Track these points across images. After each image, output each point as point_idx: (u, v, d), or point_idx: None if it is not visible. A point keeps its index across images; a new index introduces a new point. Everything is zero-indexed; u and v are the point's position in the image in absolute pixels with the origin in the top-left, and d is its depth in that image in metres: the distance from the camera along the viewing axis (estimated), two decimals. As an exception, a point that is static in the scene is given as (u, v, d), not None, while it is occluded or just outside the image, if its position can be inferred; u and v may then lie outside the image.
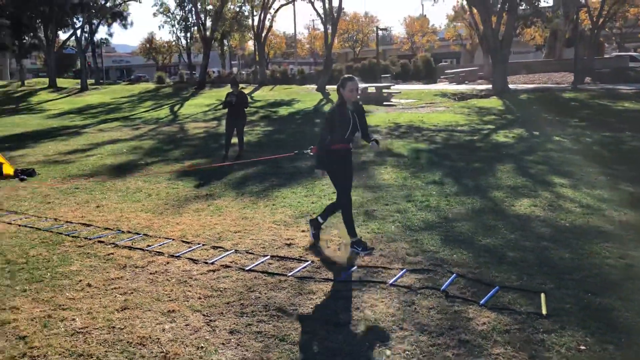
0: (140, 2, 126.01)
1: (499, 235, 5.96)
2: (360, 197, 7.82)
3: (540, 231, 6.07)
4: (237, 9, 50.59)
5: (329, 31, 34.29)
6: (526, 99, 23.21)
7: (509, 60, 28.65)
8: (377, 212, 6.99)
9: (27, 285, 4.84)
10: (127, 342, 3.77)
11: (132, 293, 4.62)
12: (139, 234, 6.36)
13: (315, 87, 35.20)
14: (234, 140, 12.22)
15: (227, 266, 5.20)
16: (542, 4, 35.94)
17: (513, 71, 33.12)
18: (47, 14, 43.56)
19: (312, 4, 36.47)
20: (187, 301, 4.43)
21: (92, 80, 51.44)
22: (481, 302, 4.23)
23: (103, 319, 4.12)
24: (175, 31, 65.53)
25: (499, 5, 28.38)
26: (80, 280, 4.92)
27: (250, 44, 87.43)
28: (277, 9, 46.74)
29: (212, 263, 5.30)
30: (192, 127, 19.75)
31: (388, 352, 3.55)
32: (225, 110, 12.25)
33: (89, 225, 6.81)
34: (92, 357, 3.58)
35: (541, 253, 5.34)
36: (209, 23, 44.89)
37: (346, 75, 5.51)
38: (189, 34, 68.54)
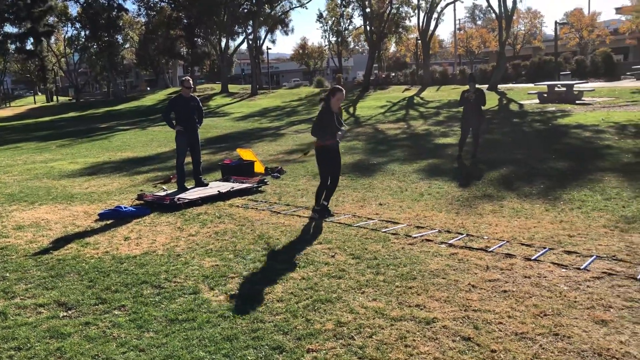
0: (306, 9, 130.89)
1: None
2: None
3: None
4: (395, 11, 50.51)
5: (504, 27, 32.83)
6: None
7: None
8: None
9: (402, 282, 4.73)
10: (597, 353, 3.43)
11: (530, 298, 4.32)
12: (461, 234, 6.12)
13: (486, 86, 33.88)
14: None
15: (609, 274, 4.72)
16: None
17: None
18: (220, 23, 46.66)
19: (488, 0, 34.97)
20: (608, 311, 4.02)
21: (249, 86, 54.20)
22: None
23: (536, 325, 3.84)
24: (327, 36, 67.16)
25: None
26: (457, 281, 4.73)
27: (392, 47, 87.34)
28: (444, 7, 45.81)
29: (585, 269, 4.87)
30: (385, 128, 19.75)
31: None
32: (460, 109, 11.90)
33: (397, 223, 6.72)
34: (574, 368, 3.29)
35: None
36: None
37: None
38: (339, 39, 70.02)
